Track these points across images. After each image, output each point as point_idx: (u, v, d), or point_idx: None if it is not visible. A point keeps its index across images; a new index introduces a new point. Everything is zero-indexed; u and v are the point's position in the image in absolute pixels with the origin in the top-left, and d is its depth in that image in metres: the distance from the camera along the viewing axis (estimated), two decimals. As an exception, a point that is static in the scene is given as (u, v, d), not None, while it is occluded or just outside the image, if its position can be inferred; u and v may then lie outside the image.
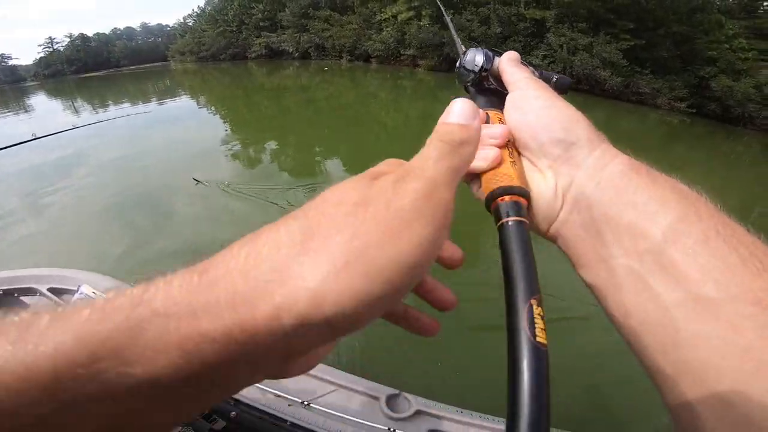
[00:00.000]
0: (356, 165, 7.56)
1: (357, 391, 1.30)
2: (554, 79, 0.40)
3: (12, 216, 5.73)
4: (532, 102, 0.33)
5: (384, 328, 2.79)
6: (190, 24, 48.00)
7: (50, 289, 1.71)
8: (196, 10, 46.49)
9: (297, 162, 8.35)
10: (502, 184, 0.30)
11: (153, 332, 0.16)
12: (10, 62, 62.54)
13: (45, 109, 23.38)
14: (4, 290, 1.72)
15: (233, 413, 1.16)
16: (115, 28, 65.40)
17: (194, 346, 0.16)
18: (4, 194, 6.62)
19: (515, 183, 0.30)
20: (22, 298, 1.73)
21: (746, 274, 0.21)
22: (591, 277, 0.28)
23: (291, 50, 30.73)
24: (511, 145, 0.34)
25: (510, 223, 0.28)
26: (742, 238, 0.23)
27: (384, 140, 10.24)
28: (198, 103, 17.46)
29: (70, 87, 36.16)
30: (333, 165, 7.91)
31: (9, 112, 26.54)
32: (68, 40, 59.74)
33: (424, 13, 19.07)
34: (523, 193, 0.30)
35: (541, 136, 0.32)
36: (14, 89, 53.32)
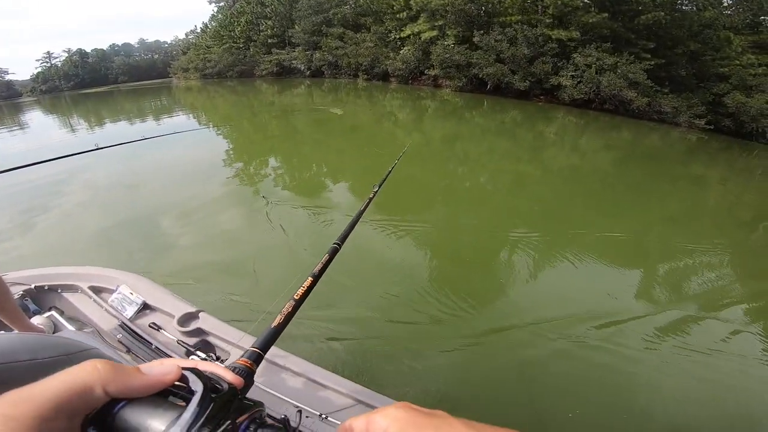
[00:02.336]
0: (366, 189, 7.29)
1: (376, 407, 1.13)
2: None
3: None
4: None
5: (406, 343, 3.22)
6: (192, 40, 47.33)
7: (91, 287, 1.76)
8: (199, 26, 45.93)
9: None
10: None
11: None
12: (6, 77, 60.80)
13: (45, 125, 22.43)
14: (49, 286, 1.76)
15: None
16: (113, 44, 64.15)
17: None
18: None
19: None
20: (64, 294, 1.78)
21: None
22: None
23: (302, 68, 30.28)
24: None
25: None
26: None
27: (402, 162, 9.79)
28: (212, 125, 16.69)
29: (76, 102, 35.09)
30: (340, 189, 7.47)
31: (3, 128, 26.28)
32: (66, 55, 58.57)
33: (448, 32, 18.83)
34: None
35: None
36: (9, 105, 52.00)
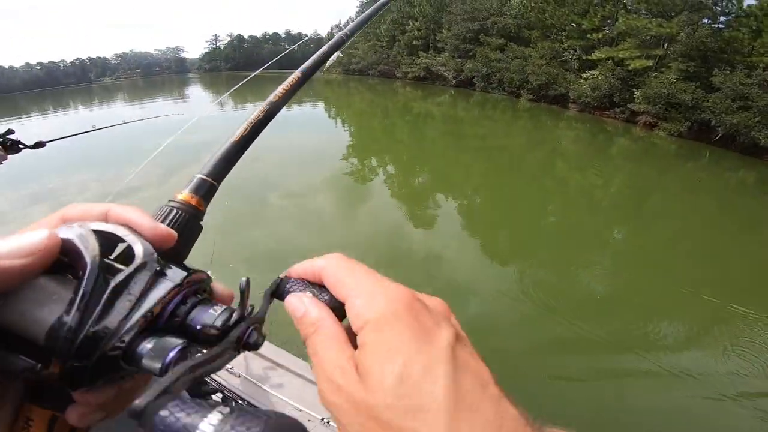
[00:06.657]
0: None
1: None
2: None
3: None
4: None
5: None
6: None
7: None
8: (345, 20, 46.09)
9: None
10: None
11: None
12: (182, 54, 69.39)
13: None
14: None
15: None
16: (265, 32, 69.00)
17: None
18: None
19: None
20: None
21: None
22: None
23: (449, 76, 27.72)
24: None
25: None
26: None
27: (560, 208, 8.61)
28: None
29: (230, 83, 38.25)
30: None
31: (171, 99, 34.21)
32: (228, 38, 64.50)
33: (671, 65, 14.62)
34: None
35: None
36: (179, 79, 59.79)
